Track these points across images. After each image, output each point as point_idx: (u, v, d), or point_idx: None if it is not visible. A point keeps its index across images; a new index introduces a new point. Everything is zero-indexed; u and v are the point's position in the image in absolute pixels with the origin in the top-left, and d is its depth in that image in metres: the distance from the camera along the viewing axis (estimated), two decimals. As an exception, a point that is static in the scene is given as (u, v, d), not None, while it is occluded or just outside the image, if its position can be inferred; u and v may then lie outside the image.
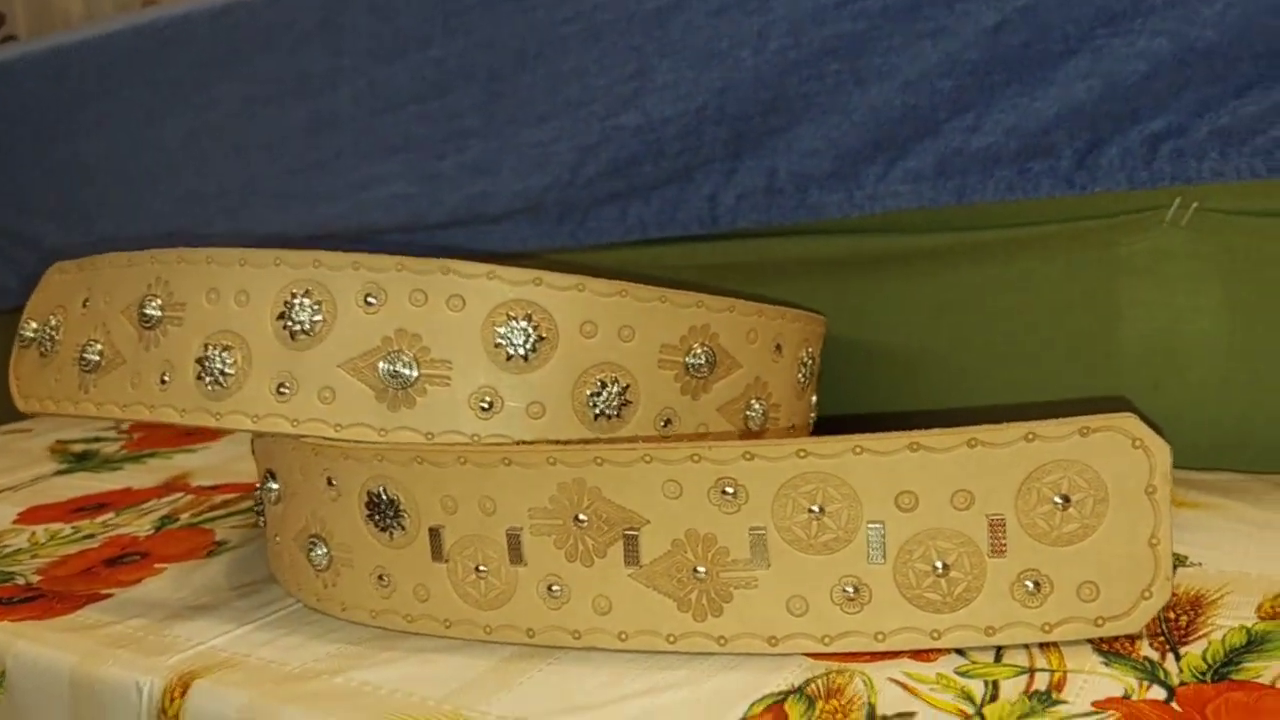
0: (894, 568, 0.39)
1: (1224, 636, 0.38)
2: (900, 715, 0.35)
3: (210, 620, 0.47)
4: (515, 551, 0.42)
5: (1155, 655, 0.37)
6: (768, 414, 0.52)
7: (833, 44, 0.61)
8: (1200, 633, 0.39)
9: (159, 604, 0.50)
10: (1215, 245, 0.57)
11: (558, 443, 0.44)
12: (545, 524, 0.41)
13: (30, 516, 0.67)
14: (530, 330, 0.45)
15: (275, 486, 0.49)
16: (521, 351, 0.45)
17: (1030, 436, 0.37)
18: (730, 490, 0.39)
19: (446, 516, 0.43)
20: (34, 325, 0.55)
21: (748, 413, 0.51)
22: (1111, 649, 0.38)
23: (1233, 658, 0.37)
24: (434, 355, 0.45)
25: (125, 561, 0.57)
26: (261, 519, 0.53)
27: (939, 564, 0.38)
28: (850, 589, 0.39)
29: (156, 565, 0.56)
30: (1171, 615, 0.40)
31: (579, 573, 0.41)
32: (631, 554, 0.41)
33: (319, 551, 0.46)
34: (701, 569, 0.40)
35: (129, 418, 0.49)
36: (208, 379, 0.47)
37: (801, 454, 0.38)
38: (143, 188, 0.95)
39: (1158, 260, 0.59)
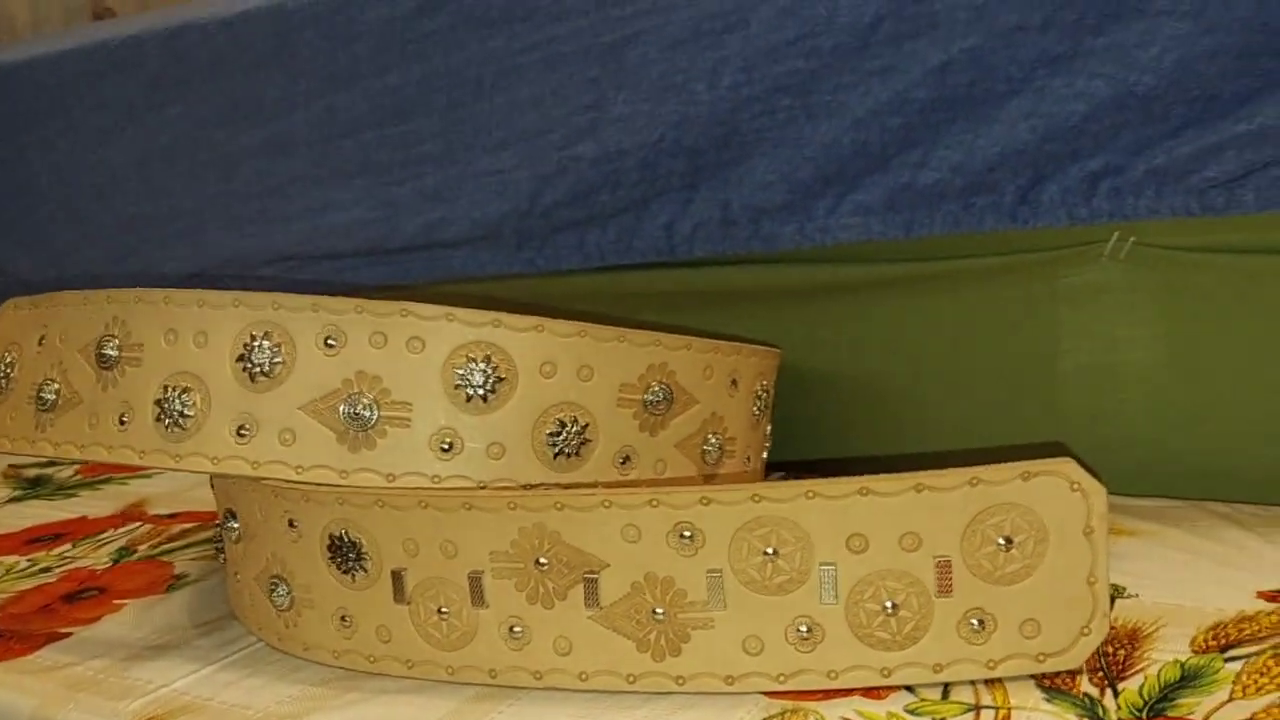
0: (845, 608, 0.40)
1: (1159, 671, 0.40)
2: (852, 754, 0.36)
3: (172, 661, 0.48)
4: (477, 594, 0.43)
5: (1095, 691, 0.39)
6: (723, 447, 0.53)
7: (785, 80, 0.62)
8: (1137, 667, 0.40)
9: (119, 643, 0.50)
10: (1152, 278, 0.59)
11: (518, 488, 0.45)
12: (506, 567, 0.42)
13: (-16, 548, 0.66)
14: (489, 371, 0.46)
15: (236, 525, 0.49)
16: (481, 392, 0.46)
17: (974, 481, 0.39)
18: (688, 534, 0.40)
19: (408, 559, 0.44)
20: (-11, 362, 0.55)
21: (704, 447, 0.52)
22: (1054, 685, 0.39)
23: (1167, 694, 0.38)
24: (394, 397, 0.46)
25: (83, 597, 0.57)
26: (222, 555, 0.53)
27: (889, 604, 0.40)
28: (804, 628, 0.40)
29: (115, 601, 0.56)
30: (1110, 650, 0.42)
31: (540, 614, 0.42)
32: (591, 596, 0.41)
33: (280, 591, 0.47)
34: (660, 610, 0.41)
35: (87, 459, 0.50)
36: (167, 420, 0.47)
37: (756, 499, 0.40)
38: (93, 208, 0.95)
39: (1096, 292, 0.60)
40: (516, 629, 0.43)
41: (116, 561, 0.62)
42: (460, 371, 0.46)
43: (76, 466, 0.85)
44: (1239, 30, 0.51)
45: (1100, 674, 0.40)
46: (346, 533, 0.44)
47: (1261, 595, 0.45)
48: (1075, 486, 0.39)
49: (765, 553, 0.40)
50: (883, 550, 0.39)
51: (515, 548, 0.42)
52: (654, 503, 0.40)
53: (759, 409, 0.56)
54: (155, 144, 0.90)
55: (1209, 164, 0.54)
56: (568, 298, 0.78)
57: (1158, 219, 0.56)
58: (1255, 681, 0.39)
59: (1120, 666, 0.40)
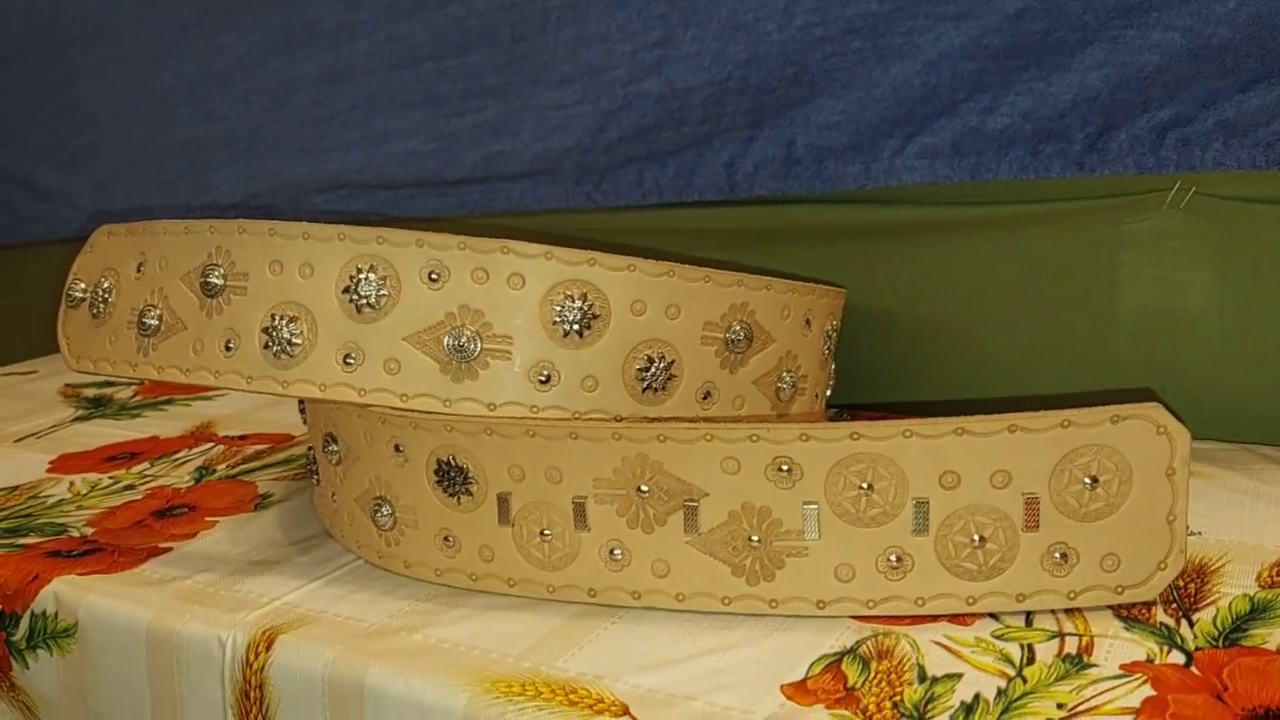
0: (935, 540, 0.42)
1: (1230, 604, 0.42)
2: (948, 676, 0.38)
3: (277, 576, 0.50)
4: (580, 518, 0.45)
5: (1170, 621, 0.41)
6: (796, 385, 0.55)
7: (857, 22, 0.63)
8: (1208, 600, 0.43)
9: (221, 559, 0.52)
10: (1211, 228, 0.61)
11: (620, 419, 0.47)
12: (609, 493, 0.44)
13: (62, 465, 0.68)
14: (585, 308, 0.48)
15: (336, 449, 0.51)
16: (577, 328, 0.48)
17: (1066, 423, 0.41)
18: (786, 468, 0.42)
19: (513, 484, 0.46)
20: (82, 286, 0.56)
21: (779, 385, 0.54)
22: (1131, 615, 0.42)
23: (1240, 625, 0.41)
24: (495, 331, 0.48)
25: (174, 514, 0.59)
26: (315, 477, 0.55)
27: (976, 537, 0.42)
28: (894, 558, 0.42)
29: (207, 518, 0.58)
30: (1181, 584, 0.44)
31: (640, 538, 0.44)
32: (691, 523, 0.44)
33: (384, 512, 0.49)
34: (756, 537, 0.43)
35: (192, 383, 0.51)
36: (274, 348, 0.49)
37: (855, 436, 0.42)
38: (142, 133, 0.95)
39: (1157, 240, 0.62)
40: (616, 551, 0.45)
41: (198, 480, 0.64)
42: (558, 308, 0.48)
43: (135, 387, 0.87)
44: (1319, -15, 0.52)
45: (1174, 605, 0.43)
46: (454, 458, 0.46)
47: (1320, 536, 0.48)
48: (1161, 430, 0.41)
49: (860, 487, 0.42)
50: (974, 487, 0.42)
51: (618, 475, 0.44)
52: (754, 438, 0.42)
53: (828, 349, 0.58)
54: (208, 69, 0.90)
55: (1278, 118, 0.55)
56: (624, 234, 0.79)
57: (1223, 171, 0.58)
58: (1319, 615, 0.41)
59: (1192, 599, 0.43)
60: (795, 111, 0.67)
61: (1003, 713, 0.36)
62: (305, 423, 0.61)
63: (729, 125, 0.69)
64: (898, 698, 0.37)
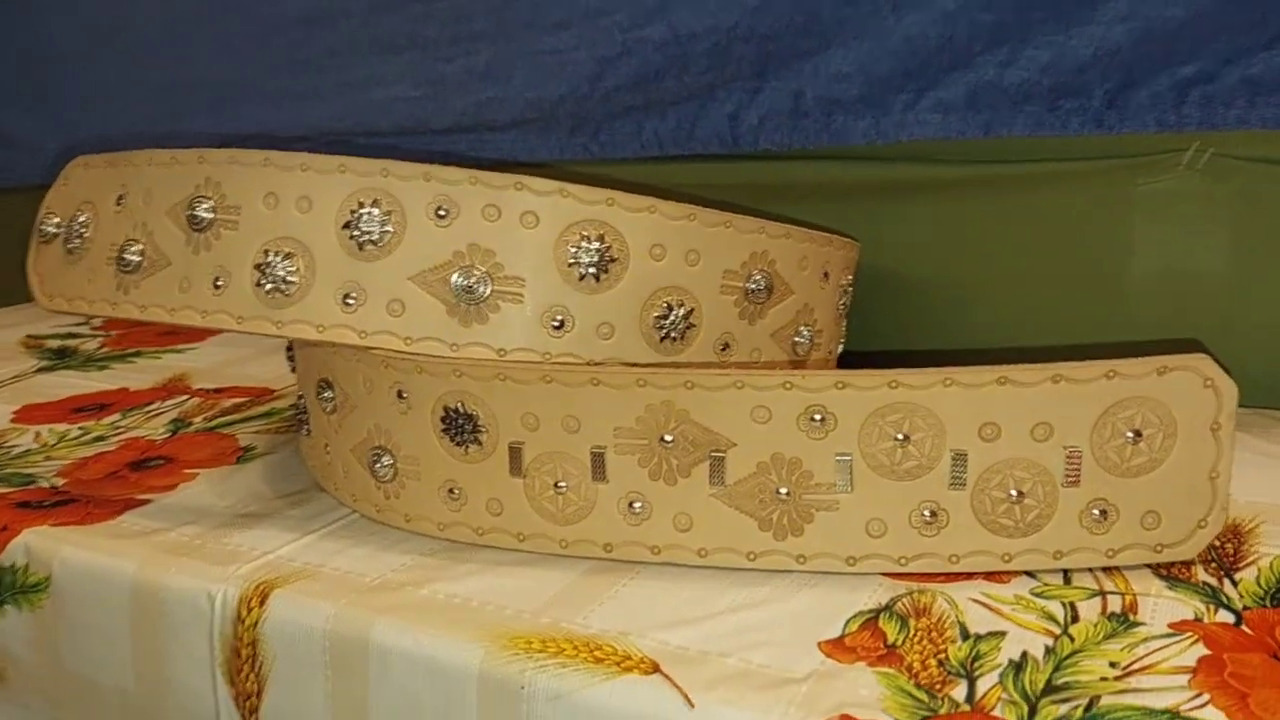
0: (972, 494, 0.40)
1: (1271, 563, 0.41)
2: (992, 633, 0.37)
3: (267, 530, 0.47)
4: (598, 469, 0.43)
5: (1213, 580, 0.40)
6: (813, 340, 0.53)
7: (874, -31, 0.61)
8: (1249, 560, 0.41)
9: (205, 511, 0.50)
10: (1227, 189, 0.59)
11: (644, 366, 0.45)
12: (630, 443, 0.42)
13: (27, 415, 0.65)
14: (602, 250, 0.46)
15: (330, 395, 0.48)
16: (593, 271, 0.46)
17: (1111, 374, 0.39)
18: (819, 417, 0.40)
19: (527, 433, 0.43)
20: (56, 220, 0.53)
21: (796, 339, 0.52)
22: (1171, 574, 0.40)
23: (1284, 584, 0.40)
24: (507, 272, 0.45)
25: (150, 466, 0.56)
26: (306, 428, 0.52)
27: (1014, 491, 0.40)
28: (928, 513, 0.41)
29: (186, 470, 0.55)
30: (1218, 543, 0.43)
31: (661, 490, 0.42)
32: (716, 474, 0.42)
33: (384, 463, 0.46)
34: (784, 490, 0.41)
35: (177, 323, 0.48)
36: (268, 285, 0.46)
37: (893, 385, 0.40)
38: (114, 75, 0.91)
39: (1172, 201, 0.61)
40: (636, 504, 0.43)
41: (174, 433, 0.61)
42: (573, 249, 0.45)
43: (101, 339, 0.83)
44: (1356, -63, 0.51)
45: (1214, 565, 0.41)
46: (463, 404, 0.44)
47: (1351, 498, 0.47)
48: (1208, 383, 0.39)
49: (896, 438, 0.40)
50: (1014, 439, 0.40)
51: (640, 424, 0.42)
52: (787, 385, 0.40)
53: (844, 304, 0.56)
54: (184, 8, 0.86)
55: (1307, 75, 0.54)
56: (619, 189, 0.77)
57: (1245, 129, 0.57)
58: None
59: (1232, 559, 0.42)
60: (804, 62, 0.65)
61: (1054, 670, 0.34)
62: (293, 370, 0.58)
63: (734, 75, 0.67)
64: (942, 655, 0.35)
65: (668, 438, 0.42)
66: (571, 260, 0.45)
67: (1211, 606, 0.38)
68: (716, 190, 0.72)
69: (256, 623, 0.42)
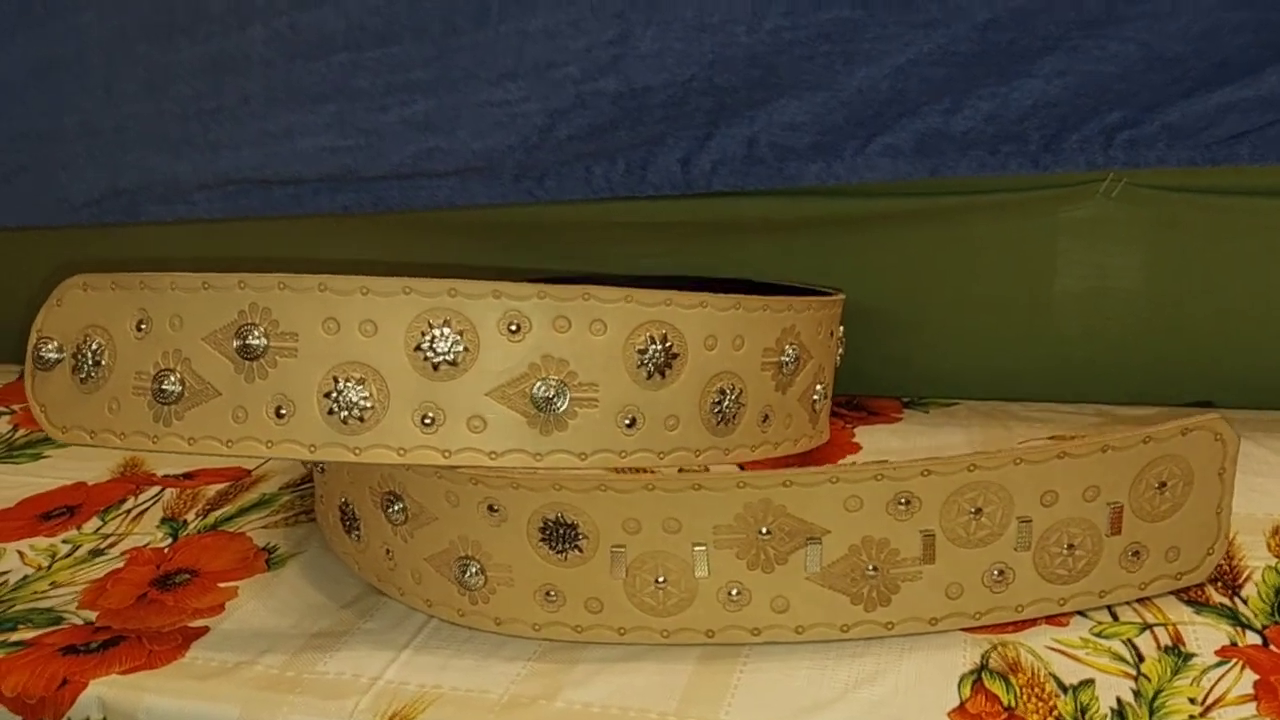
0: (1034, 553, 0.46)
1: (1262, 576, 0.49)
2: (1084, 683, 0.42)
3: (356, 649, 0.48)
4: (700, 563, 0.46)
5: (1226, 600, 0.47)
6: (825, 394, 0.58)
7: (829, 28, 0.64)
8: (1244, 575, 0.49)
9: (274, 634, 0.49)
10: (1142, 214, 0.67)
11: (699, 453, 0.48)
12: (729, 538, 0.45)
13: (-8, 530, 0.61)
14: (665, 349, 0.48)
15: (400, 509, 0.49)
16: (659, 369, 0.48)
17: (1147, 439, 0.45)
18: (905, 501, 0.45)
19: (628, 536, 0.46)
20: (55, 345, 0.51)
21: (814, 397, 0.56)
22: (1191, 599, 0.47)
23: (1282, 598, 0.47)
24: (581, 379, 0.47)
25: (178, 584, 0.54)
26: (356, 534, 0.52)
27: (1068, 545, 0.46)
28: (997, 573, 0.46)
29: (220, 585, 0.54)
30: (1221, 563, 0.50)
31: (759, 578, 0.46)
32: (812, 560, 0.45)
33: (473, 571, 0.47)
34: (874, 567, 0.45)
35: (237, 454, 0.47)
36: (341, 413, 0.46)
37: (971, 469, 0.44)
38: (-24, 123, 0.84)
39: (1092, 226, 0.68)
40: (735, 592, 0.46)
41: (175, 536, 0.59)
42: (640, 350, 0.48)
43: (11, 416, 0.78)
44: (1262, 5, 0.58)
45: (1219, 584, 0.48)
46: (562, 515, 0.46)
47: (1291, 500, 0.56)
48: (1218, 437, 0.46)
49: (971, 512, 0.45)
50: (1069, 502, 0.45)
51: (739, 520, 0.45)
52: (879, 476, 0.44)
53: (841, 353, 0.61)
54: (60, 53, 0.80)
55: (1216, 123, 0.62)
56: (565, 227, 0.78)
57: (1164, 168, 0.64)
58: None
59: (1231, 576, 0.49)
60: (757, 110, 0.68)
61: (1151, 715, 0.40)
62: (315, 475, 0.58)
63: (687, 123, 0.69)
64: (1055, 712, 0.41)
65: (765, 530, 0.45)
66: (640, 361, 0.48)
67: (1239, 630, 0.45)
68: (662, 229, 0.76)
69: (396, 756, 0.43)
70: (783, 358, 0.53)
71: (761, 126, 0.68)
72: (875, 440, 0.66)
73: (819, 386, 0.57)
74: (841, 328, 0.61)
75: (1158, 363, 0.70)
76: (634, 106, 0.69)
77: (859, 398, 0.74)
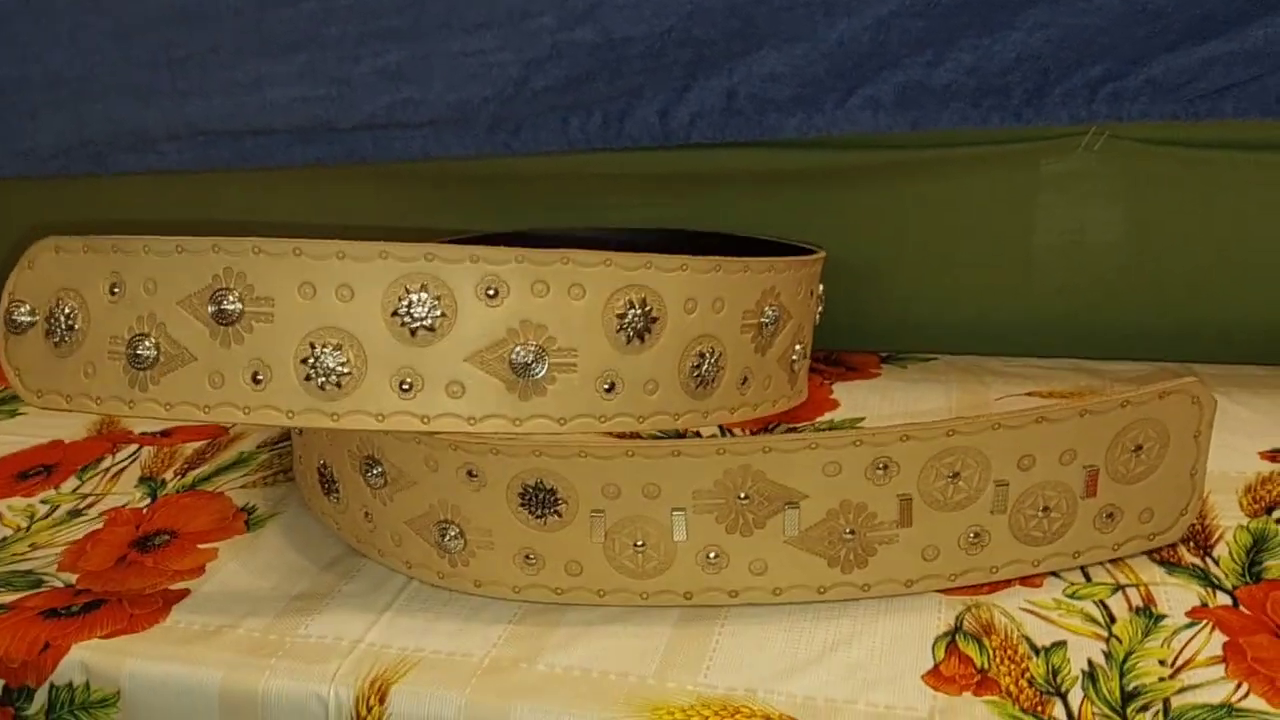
0: (1010, 515, 0.46)
1: (1234, 535, 0.49)
2: (1056, 645, 0.43)
3: (337, 612, 0.48)
4: (678, 527, 0.46)
5: (1198, 560, 0.48)
6: (804, 353, 0.58)
7: (809, -22, 0.63)
8: (1216, 535, 0.50)
9: (255, 597, 0.49)
10: (1121, 168, 0.67)
11: (679, 416, 0.48)
12: (708, 503, 0.45)
13: (-33, 489, 0.61)
14: (644, 313, 0.48)
15: (379, 472, 0.49)
16: (638, 333, 0.48)
17: (1125, 403, 0.46)
18: (883, 465, 0.45)
19: (607, 501, 0.46)
20: (27, 308, 0.50)
21: (792, 357, 0.56)
22: (1164, 559, 0.48)
23: (1253, 558, 0.48)
24: (560, 344, 0.47)
25: (157, 545, 0.54)
26: (335, 496, 0.52)
27: (1043, 508, 0.46)
28: (973, 535, 0.46)
29: (199, 546, 0.54)
30: (1194, 523, 0.51)
31: (737, 541, 0.46)
32: (790, 523, 0.46)
33: (452, 534, 0.48)
34: (851, 531, 0.46)
35: (214, 420, 0.47)
36: (319, 379, 0.46)
37: (950, 433, 0.45)
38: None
39: (1072, 180, 0.68)
40: (713, 555, 0.46)
41: (154, 496, 0.59)
42: (619, 314, 0.47)
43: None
44: (1248, -41, 0.58)
45: (1192, 544, 0.49)
46: (541, 481, 0.46)
47: (1263, 456, 0.56)
48: (1195, 400, 0.47)
49: (949, 476, 0.45)
50: (1046, 466, 0.46)
51: (718, 486, 0.45)
52: (858, 442, 0.44)
53: (820, 310, 0.61)
54: (19, 2, 0.78)
55: (1199, 77, 0.61)
56: (541, 178, 0.77)
57: (1146, 122, 0.64)
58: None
59: (1203, 536, 0.50)
60: (736, 62, 0.67)
61: (1121, 676, 0.41)
62: (293, 436, 0.57)
63: (665, 75, 0.68)
64: (1028, 674, 0.42)
65: (744, 495, 0.45)
66: (619, 325, 0.47)
67: (1209, 590, 0.46)
68: (639, 180, 0.75)
69: (379, 720, 0.43)
70: (763, 319, 0.52)
71: (741, 78, 0.68)
72: (853, 397, 0.66)
73: (798, 346, 0.56)
74: (821, 286, 0.61)
75: (1136, 317, 0.70)
76: (611, 58, 0.68)
77: (837, 353, 0.74)
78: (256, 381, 0.46)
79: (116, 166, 0.82)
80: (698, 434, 0.58)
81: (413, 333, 0.46)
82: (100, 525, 0.56)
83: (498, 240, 0.76)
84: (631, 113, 0.71)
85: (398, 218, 0.81)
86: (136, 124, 0.80)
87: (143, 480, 0.61)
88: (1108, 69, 0.63)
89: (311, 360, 0.46)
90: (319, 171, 0.79)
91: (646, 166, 0.74)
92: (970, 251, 0.71)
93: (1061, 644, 0.43)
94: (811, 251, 0.59)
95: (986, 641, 0.44)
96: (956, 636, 0.44)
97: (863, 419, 0.63)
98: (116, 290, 0.48)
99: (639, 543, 0.46)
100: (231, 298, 0.46)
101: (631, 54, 0.68)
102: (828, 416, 0.64)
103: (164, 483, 0.61)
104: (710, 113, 0.69)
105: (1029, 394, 0.65)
